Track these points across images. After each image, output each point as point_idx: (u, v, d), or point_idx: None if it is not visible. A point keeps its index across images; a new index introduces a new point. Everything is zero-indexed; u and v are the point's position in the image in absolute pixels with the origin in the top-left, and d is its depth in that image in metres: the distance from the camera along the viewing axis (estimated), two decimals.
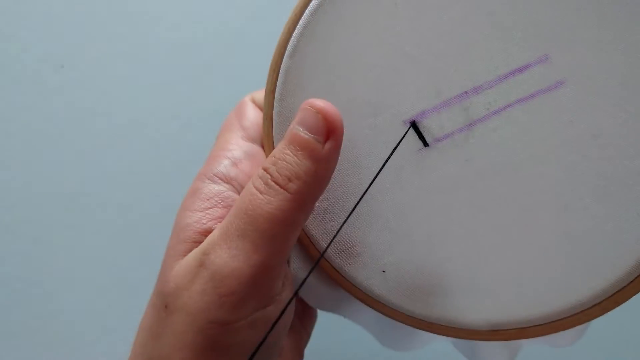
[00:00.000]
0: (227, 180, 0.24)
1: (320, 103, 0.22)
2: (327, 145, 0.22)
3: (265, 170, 0.22)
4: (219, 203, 0.24)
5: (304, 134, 0.22)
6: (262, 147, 0.26)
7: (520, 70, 0.23)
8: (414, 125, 0.24)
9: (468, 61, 0.24)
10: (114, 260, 0.41)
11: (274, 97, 0.25)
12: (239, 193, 0.24)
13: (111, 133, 0.42)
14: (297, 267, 0.26)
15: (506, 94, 0.24)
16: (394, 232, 0.25)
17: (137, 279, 0.41)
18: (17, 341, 0.40)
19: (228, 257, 0.21)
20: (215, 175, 0.24)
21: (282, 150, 0.22)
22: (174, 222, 0.25)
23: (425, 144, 0.24)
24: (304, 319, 0.29)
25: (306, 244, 0.26)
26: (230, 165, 0.25)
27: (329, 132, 0.22)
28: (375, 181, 0.24)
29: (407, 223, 0.25)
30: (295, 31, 0.24)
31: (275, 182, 0.21)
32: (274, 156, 0.22)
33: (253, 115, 0.27)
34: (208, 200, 0.24)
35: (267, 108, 0.25)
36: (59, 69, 0.42)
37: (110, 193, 0.42)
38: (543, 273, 0.24)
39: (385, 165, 0.24)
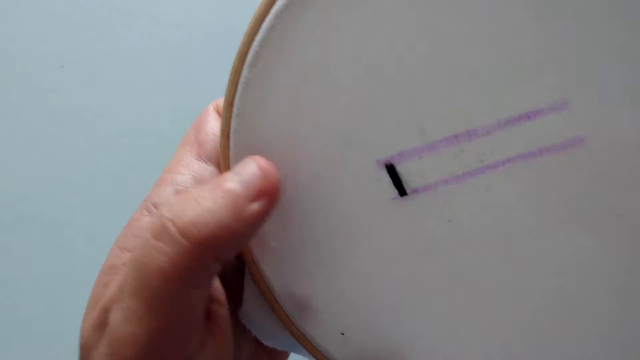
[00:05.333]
0: None
1: (263, 161, 0.19)
2: (258, 206, 0.18)
3: (168, 203, 0.18)
4: None
5: (232, 182, 0.18)
6: (218, 166, 0.23)
7: (529, 116, 0.18)
8: (389, 168, 0.20)
9: (463, 95, 0.19)
10: None
11: (232, 112, 0.21)
12: None
13: (111, 133, 0.42)
14: (252, 309, 0.23)
15: (507, 145, 0.19)
16: (358, 290, 0.21)
17: None
18: (17, 341, 0.40)
19: (122, 319, 0.17)
20: (153, 206, 0.21)
21: (201, 190, 0.18)
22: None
23: (402, 192, 0.20)
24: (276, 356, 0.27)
25: (262, 288, 0.22)
26: (172, 195, 0.21)
27: (264, 192, 0.19)
28: (341, 228, 0.21)
29: (374, 283, 0.21)
30: (258, 36, 0.20)
31: (174, 225, 0.17)
32: (184, 193, 0.18)
33: (213, 127, 0.23)
34: (138, 236, 0.20)
35: (225, 124, 0.21)
36: (59, 69, 0.42)
37: (110, 192, 0.42)
38: None
39: (355, 211, 0.21)
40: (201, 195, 0.18)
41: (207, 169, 0.22)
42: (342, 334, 0.22)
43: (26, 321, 0.40)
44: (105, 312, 0.18)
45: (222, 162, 0.22)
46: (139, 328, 0.17)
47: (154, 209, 0.21)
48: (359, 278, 0.21)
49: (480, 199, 0.19)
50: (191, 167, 0.22)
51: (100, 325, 0.18)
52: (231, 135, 0.21)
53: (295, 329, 0.23)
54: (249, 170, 0.19)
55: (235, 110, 0.21)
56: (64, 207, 0.41)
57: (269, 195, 0.19)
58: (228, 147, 0.22)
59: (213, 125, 0.23)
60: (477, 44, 0.18)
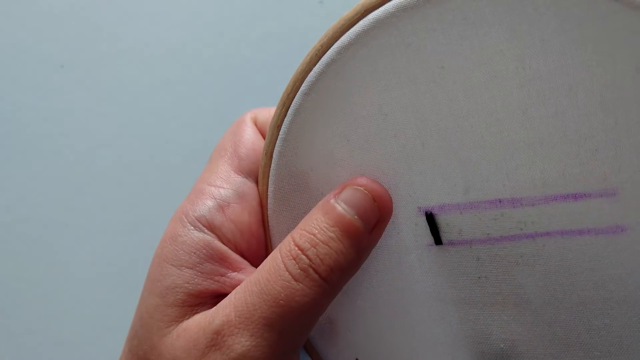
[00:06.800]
0: (210, 228, 0.21)
1: (377, 188, 0.20)
2: (375, 233, 0.20)
3: (301, 250, 0.19)
4: (209, 257, 0.21)
5: (355, 219, 0.19)
6: (256, 182, 0.23)
7: (575, 197, 0.18)
8: (429, 217, 0.20)
9: (514, 164, 0.19)
10: (114, 260, 0.41)
11: (278, 134, 0.21)
12: (223, 242, 0.22)
13: (111, 133, 0.42)
14: None
15: (549, 219, 0.19)
16: (380, 322, 0.22)
17: (137, 278, 0.41)
18: (17, 341, 0.40)
19: (251, 345, 0.19)
20: (198, 220, 0.21)
21: (325, 230, 0.19)
22: (150, 269, 0.22)
23: (438, 241, 0.20)
24: None
25: None
26: (216, 210, 0.22)
27: (381, 221, 0.20)
28: (373, 263, 0.21)
29: (396, 318, 0.21)
30: (316, 67, 0.20)
31: (315, 271, 0.19)
32: (313, 235, 0.19)
33: (251, 141, 0.23)
34: (195, 253, 0.21)
35: (269, 144, 0.22)
36: (59, 69, 0.42)
37: (110, 193, 0.42)
38: None
39: (388, 247, 0.21)
40: (328, 236, 0.19)
41: (248, 184, 0.23)
42: (357, 359, 0.22)
43: (26, 321, 0.40)
44: (217, 334, 0.19)
45: (261, 180, 0.22)
46: (267, 354, 0.19)
47: (199, 224, 0.21)
48: (383, 310, 0.21)
49: (512, 263, 0.19)
50: (232, 182, 0.23)
51: (209, 345, 0.19)
52: (274, 157, 0.22)
53: (310, 346, 0.23)
54: (367, 204, 0.20)
55: (282, 133, 0.21)
56: (64, 207, 0.41)
57: (385, 222, 0.20)
58: (269, 166, 0.22)
59: (252, 137, 0.24)
60: (540, 120, 0.18)
